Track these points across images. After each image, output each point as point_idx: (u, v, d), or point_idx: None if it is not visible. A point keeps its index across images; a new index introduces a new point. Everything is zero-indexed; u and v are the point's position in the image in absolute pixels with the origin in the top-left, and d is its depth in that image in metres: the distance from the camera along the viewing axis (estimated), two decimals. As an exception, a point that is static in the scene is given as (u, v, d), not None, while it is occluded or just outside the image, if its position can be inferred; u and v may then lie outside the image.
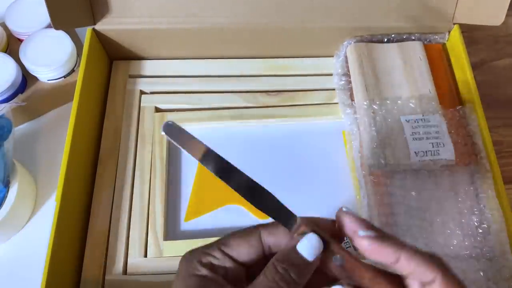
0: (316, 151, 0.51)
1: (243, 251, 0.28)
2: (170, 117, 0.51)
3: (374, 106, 0.48)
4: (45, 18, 0.55)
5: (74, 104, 0.45)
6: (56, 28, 0.47)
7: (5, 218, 0.45)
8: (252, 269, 0.29)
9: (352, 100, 0.50)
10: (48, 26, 0.55)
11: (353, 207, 0.47)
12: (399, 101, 0.48)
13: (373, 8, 0.51)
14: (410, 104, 0.48)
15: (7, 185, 0.46)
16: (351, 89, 0.50)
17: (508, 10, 0.48)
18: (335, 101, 0.52)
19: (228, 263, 0.28)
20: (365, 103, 0.48)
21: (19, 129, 0.54)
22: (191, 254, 0.28)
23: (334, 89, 0.53)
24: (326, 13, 0.51)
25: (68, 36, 0.53)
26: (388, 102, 0.48)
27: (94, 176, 0.47)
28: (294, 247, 0.27)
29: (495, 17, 0.49)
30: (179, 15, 0.50)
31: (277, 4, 0.50)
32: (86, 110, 0.47)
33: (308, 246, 0.27)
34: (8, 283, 0.47)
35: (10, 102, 0.51)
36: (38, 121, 0.56)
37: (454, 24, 0.52)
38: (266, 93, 0.53)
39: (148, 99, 0.52)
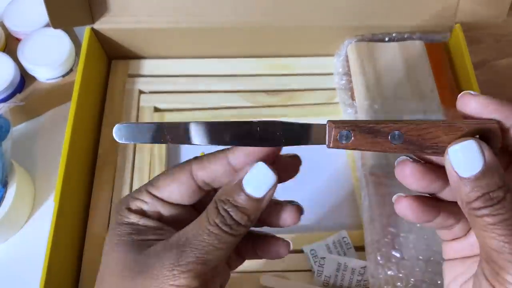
0: (316, 151, 0.50)
1: (174, 191, 0.25)
2: (169, 116, 0.51)
3: (375, 105, 0.47)
4: (44, 17, 0.54)
5: (73, 103, 0.45)
6: (55, 27, 0.47)
7: (3, 219, 0.45)
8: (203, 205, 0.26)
9: (353, 99, 0.50)
10: (47, 25, 0.55)
11: (354, 208, 0.47)
12: (400, 101, 0.48)
13: (374, 7, 0.51)
14: (411, 104, 0.47)
15: (5, 185, 0.46)
16: (352, 89, 0.50)
17: (510, 9, 0.48)
18: (335, 100, 0.52)
19: (160, 206, 0.25)
20: (366, 102, 0.47)
21: (17, 129, 0.54)
22: (120, 201, 0.26)
23: (334, 89, 0.52)
24: (326, 12, 0.50)
25: (66, 35, 0.53)
26: (389, 101, 0.48)
27: (92, 176, 0.47)
28: (240, 182, 0.23)
29: (497, 16, 0.49)
30: (178, 14, 0.50)
31: (277, 3, 0.50)
32: (84, 109, 0.47)
33: (255, 179, 0.23)
34: (7, 284, 0.46)
35: (8, 101, 0.51)
36: (36, 121, 0.55)
37: (456, 23, 0.52)
38: (266, 92, 0.52)
39: (147, 98, 0.52)
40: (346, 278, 0.41)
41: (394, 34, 0.52)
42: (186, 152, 0.50)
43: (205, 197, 0.26)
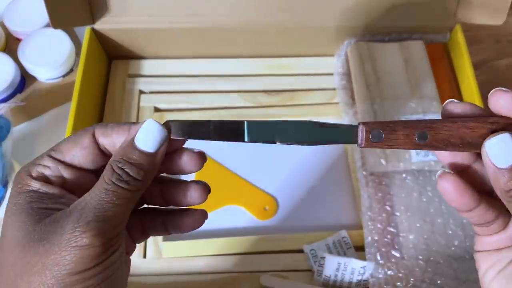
0: (316, 151, 0.51)
1: (77, 155, 0.25)
2: (169, 116, 0.51)
3: (375, 105, 0.47)
4: (44, 17, 0.54)
5: (73, 103, 0.45)
6: (55, 28, 0.47)
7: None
8: None
9: (353, 99, 0.50)
10: (47, 26, 0.55)
11: (354, 208, 0.47)
12: (400, 101, 0.48)
13: (374, 7, 0.51)
14: (411, 104, 0.47)
15: (5, 185, 0.46)
16: (352, 89, 0.50)
17: (510, 9, 0.48)
18: (335, 101, 0.52)
19: (64, 171, 0.25)
20: (366, 102, 0.47)
21: (17, 129, 0.54)
22: (22, 169, 0.25)
23: (334, 89, 0.52)
24: (326, 12, 0.50)
25: (67, 36, 0.53)
26: (389, 101, 0.48)
27: (93, 176, 0.47)
28: (132, 140, 0.24)
29: (496, 17, 0.49)
30: (179, 14, 0.50)
31: (277, 3, 0.50)
32: (85, 109, 0.47)
33: (146, 135, 0.24)
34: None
35: (8, 102, 0.51)
36: (36, 121, 0.55)
37: (456, 23, 0.52)
38: (266, 92, 0.52)
39: (147, 98, 0.52)
40: (346, 278, 0.41)
41: (394, 34, 0.52)
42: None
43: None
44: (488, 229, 0.26)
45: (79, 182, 0.25)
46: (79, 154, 0.25)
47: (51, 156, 0.25)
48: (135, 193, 0.24)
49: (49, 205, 0.24)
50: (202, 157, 0.26)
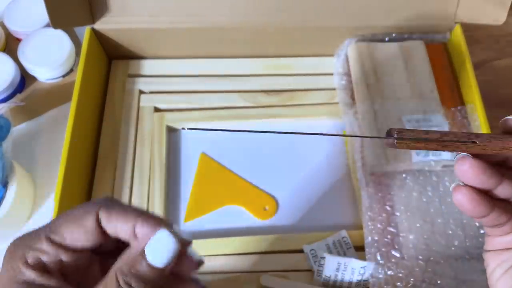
0: (316, 151, 0.51)
1: (79, 238, 0.23)
2: (169, 116, 0.51)
3: (375, 106, 0.47)
4: (44, 17, 0.54)
5: (73, 103, 0.45)
6: (55, 28, 0.47)
7: (3, 219, 0.45)
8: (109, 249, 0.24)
9: (353, 99, 0.50)
10: (47, 26, 0.55)
11: (354, 208, 0.47)
12: (400, 101, 0.48)
13: (374, 7, 0.51)
14: (412, 104, 0.47)
15: (5, 185, 0.46)
16: (351, 89, 0.50)
17: (510, 9, 0.48)
18: (335, 101, 0.52)
19: (62, 253, 0.23)
20: (366, 102, 0.47)
21: (17, 129, 0.54)
22: (15, 248, 0.22)
23: (334, 89, 0.52)
24: (326, 12, 0.50)
25: (67, 36, 0.53)
26: (389, 101, 0.48)
27: (93, 176, 0.47)
28: (142, 252, 0.22)
29: (497, 17, 0.49)
30: (179, 14, 0.50)
31: (277, 3, 0.50)
32: (85, 109, 0.47)
33: (157, 248, 0.22)
34: (7, 284, 0.46)
35: (8, 101, 0.51)
36: (36, 121, 0.55)
37: (456, 23, 0.52)
38: (266, 93, 0.52)
39: (147, 98, 0.52)
40: (346, 278, 0.41)
41: (394, 34, 0.52)
42: (185, 152, 0.50)
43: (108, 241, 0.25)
44: (499, 230, 0.26)
45: (77, 263, 0.24)
46: (82, 237, 0.23)
47: (50, 240, 0.23)
48: None
49: None
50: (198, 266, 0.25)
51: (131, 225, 0.23)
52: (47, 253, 0.23)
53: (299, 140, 0.51)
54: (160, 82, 0.53)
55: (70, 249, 0.23)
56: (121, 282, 0.22)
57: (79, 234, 0.23)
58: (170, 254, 0.22)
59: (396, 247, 0.41)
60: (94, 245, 0.24)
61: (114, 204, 0.24)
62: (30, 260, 0.22)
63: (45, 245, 0.23)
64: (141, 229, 0.23)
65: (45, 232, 0.23)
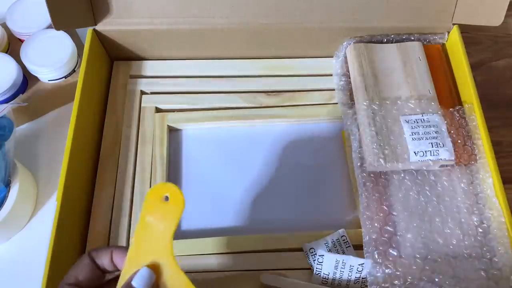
0: (315, 151, 0.51)
1: (85, 275, 0.31)
2: (171, 117, 0.51)
3: (373, 106, 0.48)
4: (46, 18, 0.55)
5: (75, 104, 0.45)
6: (57, 29, 0.48)
7: (6, 218, 0.46)
8: None
9: (352, 100, 0.50)
10: (49, 27, 0.55)
11: (352, 207, 0.47)
12: (398, 101, 0.48)
13: (372, 9, 0.51)
14: (410, 104, 0.48)
15: (8, 185, 0.46)
16: (350, 90, 0.51)
17: (508, 10, 0.49)
18: (334, 101, 0.52)
19: None
20: (364, 103, 0.48)
21: (20, 129, 0.54)
22: None
23: (333, 90, 0.53)
24: (325, 14, 0.51)
25: (69, 37, 0.54)
26: (388, 102, 0.48)
27: (94, 176, 0.47)
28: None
29: (494, 18, 0.49)
30: (180, 16, 0.50)
31: (276, 4, 0.50)
32: (86, 110, 0.47)
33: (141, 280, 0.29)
34: (9, 283, 0.47)
35: (11, 102, 0.51)
36: (39, 121, 0.56)
37: (454, 24, 0.52)
38: (265, 93, 0.53)
39: (148, 99, 0.52)
40: (344, 276, 0.41)
41: (392, 35, 0.53)
42: (186, 153, 0.51)
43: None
44: None
45: None
46: (87, 274, 0.31)
47: (69, 285, 0.31)
48: None
49: None
50: None
51: (109, 255, 0.32)
52: None
53: (299, 140, 0.51)
54: (161, 83, 0.53)
55: None
56: None
57: (83, 270, 0.31)
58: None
59: (394, 245, 0.42)
60: (97, 278, 0.32)
61: (100, 247, 0.32)
62: None
63: None
64: (116, 257, 0.32)
65: (64, 283, 0.31)
